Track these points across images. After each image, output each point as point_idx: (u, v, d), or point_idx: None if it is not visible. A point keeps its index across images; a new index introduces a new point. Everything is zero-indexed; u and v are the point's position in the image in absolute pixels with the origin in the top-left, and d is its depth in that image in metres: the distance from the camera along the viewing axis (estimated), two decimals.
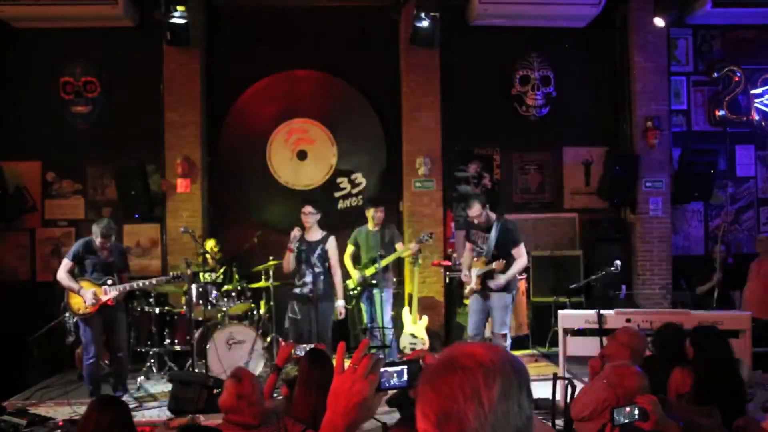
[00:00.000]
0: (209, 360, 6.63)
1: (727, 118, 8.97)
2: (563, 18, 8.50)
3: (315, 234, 6.69)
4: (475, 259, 6.50)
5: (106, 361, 6.60)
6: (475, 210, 6.41)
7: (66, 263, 6.16)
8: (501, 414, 1.12)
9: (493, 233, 6.37)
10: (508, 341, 6.49)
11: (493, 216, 6.48)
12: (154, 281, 6.53)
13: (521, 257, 6.37)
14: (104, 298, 6.06)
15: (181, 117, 8.30)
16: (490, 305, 6.42)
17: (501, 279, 6.28)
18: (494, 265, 6.22)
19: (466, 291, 6.61)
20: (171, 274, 6.67)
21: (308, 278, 6.60)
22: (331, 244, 6.71)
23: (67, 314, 6.60)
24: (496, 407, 1.12)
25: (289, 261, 6.65)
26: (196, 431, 3.20)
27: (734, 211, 9.09)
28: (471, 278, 6.45)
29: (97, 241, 6.11)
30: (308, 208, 6.68)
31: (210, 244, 7.69)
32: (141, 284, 6.45)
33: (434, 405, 1.14)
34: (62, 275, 6.12)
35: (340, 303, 6.74)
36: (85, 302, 6.02)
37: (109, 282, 6.11)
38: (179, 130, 8.29)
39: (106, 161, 8.44)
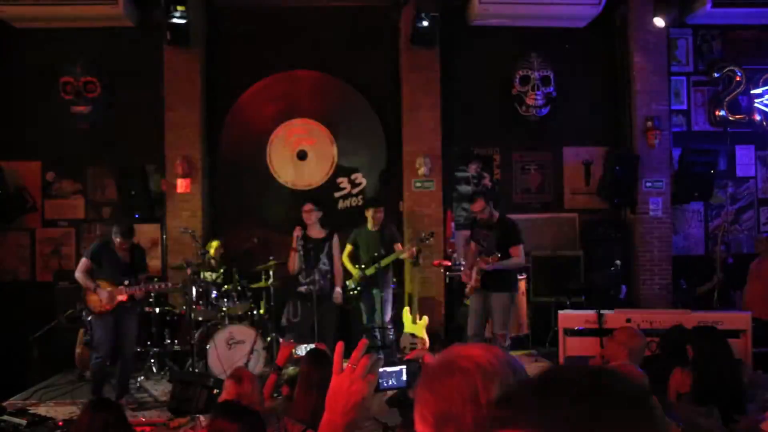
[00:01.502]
0: (209, 360, 6.63)
1: (727, 118, 8.96)
2: (563, 18, 8.49)
3: (319, 232, 6.68)
4: (478, 258, 6.50)
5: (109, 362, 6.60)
6: (478, 205, 6.42)
7: (84, 262, 6.19)
8: None
9: (495, 232, 6.38)
10: (508, 342, 6.48)
11: (496, 214, 6.49)
12: (170, 284, 6.63)
13: (518, 256, 6.36)
14: (120, 297, 6.09)
15: (181, 117, 8.29)
16: (490, 306, 6.42)
17: (489, 263, 6.24)
18: (489, 259, 6.22)
19: (467, 289, 6.61)
20: (188, 274, 6.72)
21: (317, 276, 6.59)
22: (336, 241, 6.73)
23: (84, 313, 6.63)
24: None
25: (295, 261, 6.62)
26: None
27: (734, 211, 9.08)
28: (471, 276, 6.46)
29: (117, 241, 6.14)
30: (309, 206, 6.69)
31: (214, 245, 7.68)
32: (157, 287, 6.51)
33: (432, 407, 1.14)
34: (79, 274, 6.16)
35: (337, 290, 6.71)
36: (101, 300, 6.05)
37: (126, 282, 6.14)
38: (179, 130, 8.29)
39: (106, 161, 8.44)
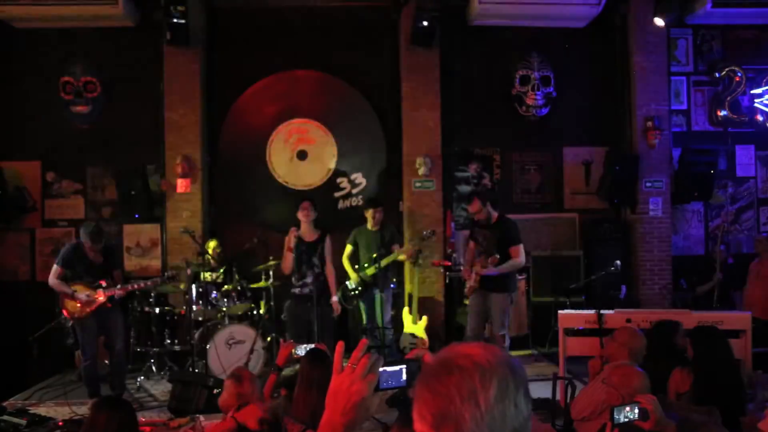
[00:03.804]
0: (209, 360, 6.63)
1: (729, 118, 8.96)
2: (563, 18, 8.49)
3: (312, 234, 6.66)
4: (477, 258, 6.50)
5: (106, 361, 6.60)
6: (475, 206, 6.42)
7: (55, 269, 6.15)
8: (498, 415, 1.12)
9: (495, 232, 6.38)
10: (507, 342, 6.48)
11: (494, 214, 6.47)
12: (149, 282, 6.56)
13: (517, 257, 6.35)
14: (100, 299, 6.05)
15: (181, 117, 8.29)
16: (489, 306, 6.42)
17: (490, 268, 6.26)
18: (489, 260, 6.24)
19: (466, 289, 6.62)
20: (165, 274, 6.71)
21: (309, 278, 6.58)
22: (328, 242, 6.70)
23: (62, 317, 6.62)
24: (493, 408, 1.12)
25: (289, 261, 6.62)
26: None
27: (734, 211, 9.09)
28: (470, 276, 6.46)
29: (86, 244, 6.10)
30: (307, 203, 6.67)
31: (212, 244, 7.70)
32: (136, 286, 6.46)
33: (431, 406, 1.14)
34: (53, 281, 6.12)
35: (334, 299, 6.72)
36: (79, 305, 6.02)
37: (103, 284, 6.10)
38: (179, 130, 8.29)
39: (106, 161, 8.44)
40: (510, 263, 6.31)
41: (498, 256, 6.23)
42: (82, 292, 6.04)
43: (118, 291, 6.13)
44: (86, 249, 6.12)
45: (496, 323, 6.40)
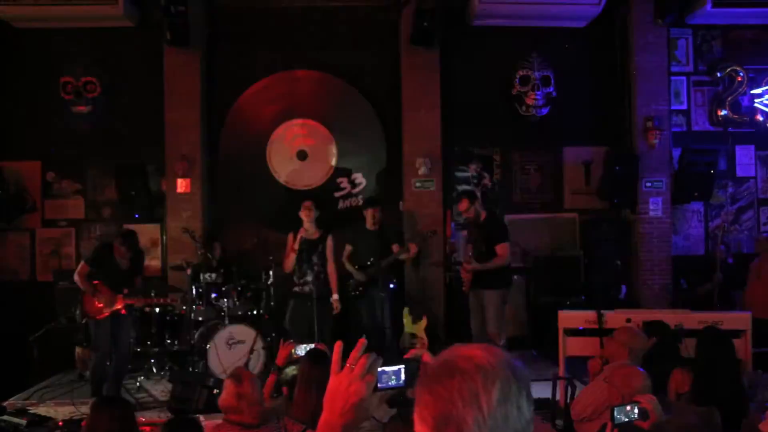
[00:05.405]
0: (209, 360, 6.63)
1: (729, 118, 8.95)
2: (563, 18, 8.49)
3: (314, 233, 6.69)
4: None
5: (108, 362, 6.62)
6: (463, 204, 6.55)
7: (82, 266, 6.28)
8: (500, 417, 1.11)
9: (482, 231, 6.44)
10: (503, 341, 6.48)
11: (484, 213, 6.53)
12: (168, 300, 6.84)
13: (500, 256, 6.38)
14: (118, 306, 6.16)
15: (181, 117, 8.29)
16: (484, 305, 6.46)
17: (473, 264, 6.34)
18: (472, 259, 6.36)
19: (464, 286, 6.72)
20: (184, 296, 6.92)
21: (309, 277, 6.60)
22: (330, 243, 6.74)
23: (78, 312, 6.68)
24: (495, 411, 1.11)
25: (291, 261, 6.64)
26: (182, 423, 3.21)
27: (734, 211, 9.08)
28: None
29: (120, 249, 6.17)
30: (309, 203, 6.71)
31: (215, 246, 7.69)
32: (155, 301, 6.57)
33: (432, 409, 1.13)
34: (78, 276, 6.23)
35: (335, 297, 6.73)
36: (98, 306, 6.12)
37: (125, 291, 6.17)
38: (179, 130, 8.29)
39: (107, 161, 8.43)
40: (492, 262, 6.37)
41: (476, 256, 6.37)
42: (104, 295, 6.11)
43: (136, 303, 6.23)
44: (116, 252, 6.18)
45: (489, 321, 6.44)
